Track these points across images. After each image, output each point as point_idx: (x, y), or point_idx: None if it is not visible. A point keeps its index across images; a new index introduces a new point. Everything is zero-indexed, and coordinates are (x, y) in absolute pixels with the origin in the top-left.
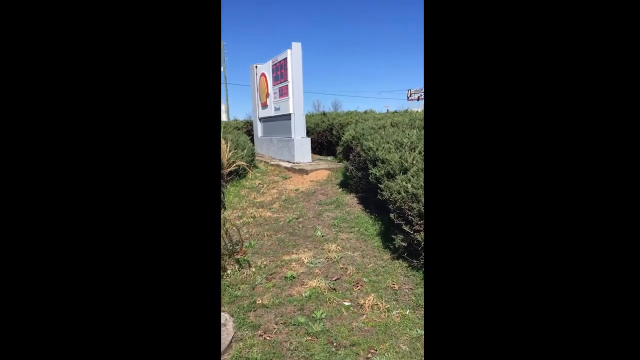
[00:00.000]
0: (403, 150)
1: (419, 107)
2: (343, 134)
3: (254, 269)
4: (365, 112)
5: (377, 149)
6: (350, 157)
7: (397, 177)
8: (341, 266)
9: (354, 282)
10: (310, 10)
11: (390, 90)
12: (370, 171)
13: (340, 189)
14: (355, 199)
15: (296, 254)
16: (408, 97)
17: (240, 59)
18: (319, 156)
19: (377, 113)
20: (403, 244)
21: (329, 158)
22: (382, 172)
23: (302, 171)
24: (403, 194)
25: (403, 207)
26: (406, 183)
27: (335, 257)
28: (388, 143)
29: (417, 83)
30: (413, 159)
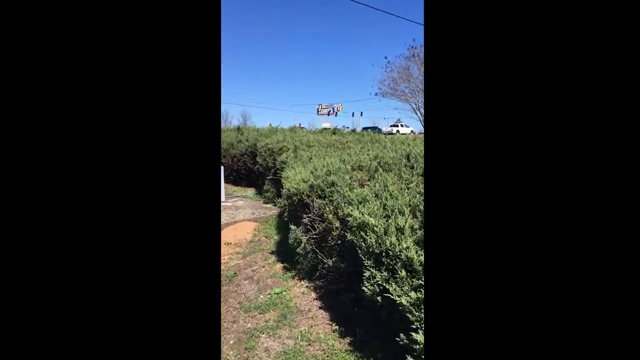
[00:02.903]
0: None
1: (328, 122)
2: (275, 163)
3: None
4: (293, 129)
5: (384, 233)
6: (305, 220)
7: None
8: None
9: None
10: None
11: (301, 104)
12: (370, 274)
13: (280, 265)
14: (313, 294)
15: None
16: (318, 112)
17: None
18: (234, 187)
19: (307, 130)
20: None
21: (250, 192)
22: (414, 297)
23: None
24: None
25: None
26: None
27: None
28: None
29: (326, 99)
30: None
